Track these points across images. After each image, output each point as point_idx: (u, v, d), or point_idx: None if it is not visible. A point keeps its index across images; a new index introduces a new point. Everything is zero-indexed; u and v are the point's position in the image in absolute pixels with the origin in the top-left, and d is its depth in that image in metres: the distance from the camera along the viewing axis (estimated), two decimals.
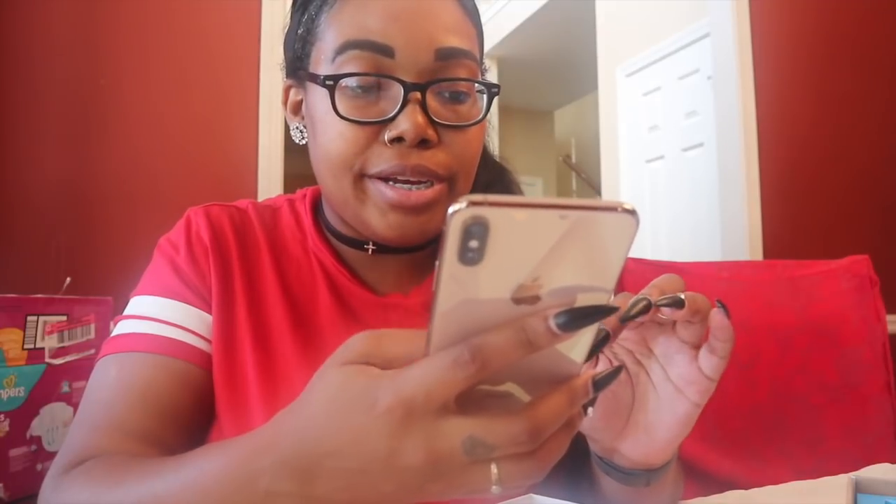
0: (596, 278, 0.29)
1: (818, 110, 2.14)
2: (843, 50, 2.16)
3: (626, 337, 0.50)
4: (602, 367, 0.51)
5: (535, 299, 0.29)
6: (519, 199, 0.26)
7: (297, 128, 0.66)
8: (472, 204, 0.25)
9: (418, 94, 0.56)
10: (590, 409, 0.43)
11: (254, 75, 1.78)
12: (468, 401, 0.31)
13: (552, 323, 0.29)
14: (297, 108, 0.66)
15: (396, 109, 0.56)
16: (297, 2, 0.65)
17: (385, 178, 0.57)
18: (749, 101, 2.07)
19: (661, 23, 3.54)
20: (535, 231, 0.26)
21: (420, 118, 0.56)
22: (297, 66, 0.64)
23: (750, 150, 2.06)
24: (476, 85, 0.60)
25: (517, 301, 0.29)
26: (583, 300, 0.29)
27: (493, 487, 0.31)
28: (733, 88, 2.09)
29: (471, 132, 0.60)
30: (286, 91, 0.67)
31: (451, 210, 0.26)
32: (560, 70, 5.68)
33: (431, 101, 0.57)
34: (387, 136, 0.56)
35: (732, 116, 2.09)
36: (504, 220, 0.26)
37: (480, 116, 0.60)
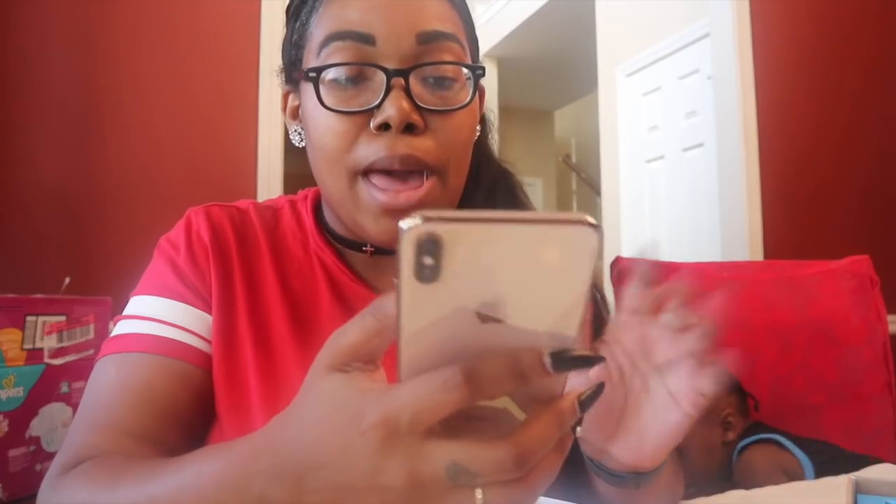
0: (563, 297, 0.27)
1: (818, 110, 2.14)
2: (843, 49, 2.16)
3: (625, 340, 0.50)
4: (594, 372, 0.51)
5: (502, 319, 0.28)
6: (474, 215, 0.25)
7: (295, 130, 0.66)
8: (426, 220, 0.25)
9: (401, 80, 0.56)
10: (578, 429, 0.44)
11: (253, 76, 1.79)
12: (461, 414, 0.30)
13: (546, 361, 0.29)
14: (295, 113, 0.66)
15: (381, 97, 0.56)
16: (290, 10, 0.65)
17: (376, 172, 0.57)
18: (749, 101, 2.07)
19: (660, 23, 3.54)
20: (492, 246, 0.26)
21: (405, 103, 0.55)
22: (292, 71, 0.64)
23: (750, 150, 2.06)
24: (466, 72, 0.60)
25: (483, 319, 0.28)
26: (552, 319, 0.28)
27: None
28: (733, 88, 2.08)
29: (459, 118, 0.59)
30: (285, 97, 0.67)
31: (403, 226, 0.25)
32: (560, 70, 5.67)
33: (416, 86, 0.57)
34: (373, 123, 0.56)
35: (732, 116, 2.09)
36: (459, 236, 0.25)
37: (467, 101, 0.60)
